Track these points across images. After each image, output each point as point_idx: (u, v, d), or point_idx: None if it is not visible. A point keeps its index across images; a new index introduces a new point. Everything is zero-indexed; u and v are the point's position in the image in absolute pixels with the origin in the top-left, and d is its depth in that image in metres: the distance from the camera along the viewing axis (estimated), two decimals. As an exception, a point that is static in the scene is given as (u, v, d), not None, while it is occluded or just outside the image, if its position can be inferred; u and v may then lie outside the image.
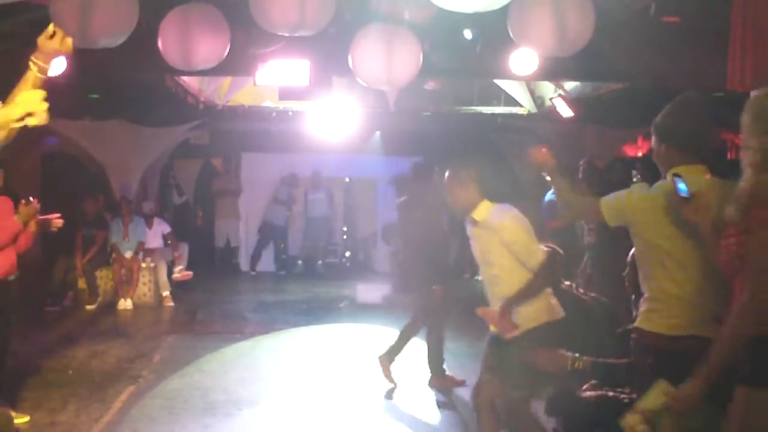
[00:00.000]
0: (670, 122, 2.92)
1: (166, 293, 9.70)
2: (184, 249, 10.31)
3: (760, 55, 4.00)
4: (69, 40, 2.76)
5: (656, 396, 2.60)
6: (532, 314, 3.93)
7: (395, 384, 6.09)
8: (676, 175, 2.70)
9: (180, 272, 9.83)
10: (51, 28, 2.72)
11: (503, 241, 3.94)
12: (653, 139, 3.00)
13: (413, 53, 5.37)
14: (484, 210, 4.07)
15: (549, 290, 4.05)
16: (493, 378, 4.08)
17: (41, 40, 2.70)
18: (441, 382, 6.14)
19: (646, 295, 2.94)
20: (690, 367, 2.46)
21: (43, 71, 2.68)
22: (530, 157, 3.45)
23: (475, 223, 4.09)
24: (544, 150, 3.44)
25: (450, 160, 4.35)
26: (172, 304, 9.61)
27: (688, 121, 2.89)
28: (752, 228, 2.28)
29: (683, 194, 2.61)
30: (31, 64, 2.67)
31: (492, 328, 4.09)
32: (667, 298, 2.83)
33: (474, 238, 4.15)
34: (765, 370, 2.32)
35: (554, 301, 4.04)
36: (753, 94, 2.60)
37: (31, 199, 4.88)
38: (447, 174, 4.19)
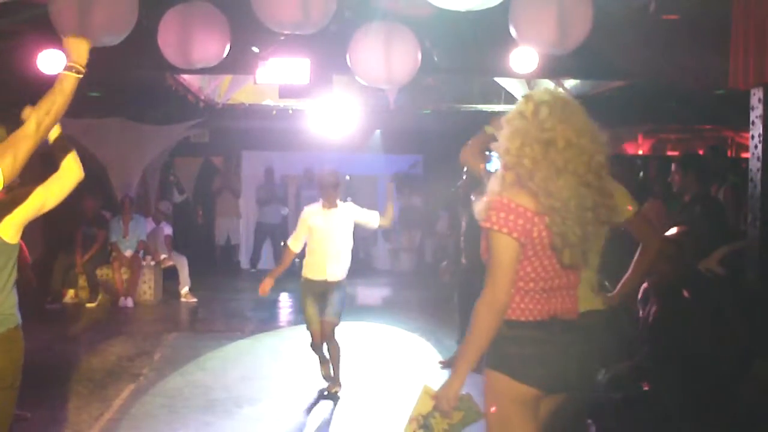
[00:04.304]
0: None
1: (185, 290, 9.77)
2: (183, 263, 9.95)
3: (761, 54, 4.00)
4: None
5: (424, 400, 2.60)
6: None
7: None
8: None
9: (186, 296, 9.79)
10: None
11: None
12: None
13: (411, 51, 5.36)
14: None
15: None
16: None
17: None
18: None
19: None
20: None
21: (80, 72, 2.76)
22: None
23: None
24: None
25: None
26: (195, 300, 9.71)
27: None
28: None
29: None
30: (65, 74, 2.70)
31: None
32: None
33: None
34: (492, 354, 2.53)
35: None
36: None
37: None
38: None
